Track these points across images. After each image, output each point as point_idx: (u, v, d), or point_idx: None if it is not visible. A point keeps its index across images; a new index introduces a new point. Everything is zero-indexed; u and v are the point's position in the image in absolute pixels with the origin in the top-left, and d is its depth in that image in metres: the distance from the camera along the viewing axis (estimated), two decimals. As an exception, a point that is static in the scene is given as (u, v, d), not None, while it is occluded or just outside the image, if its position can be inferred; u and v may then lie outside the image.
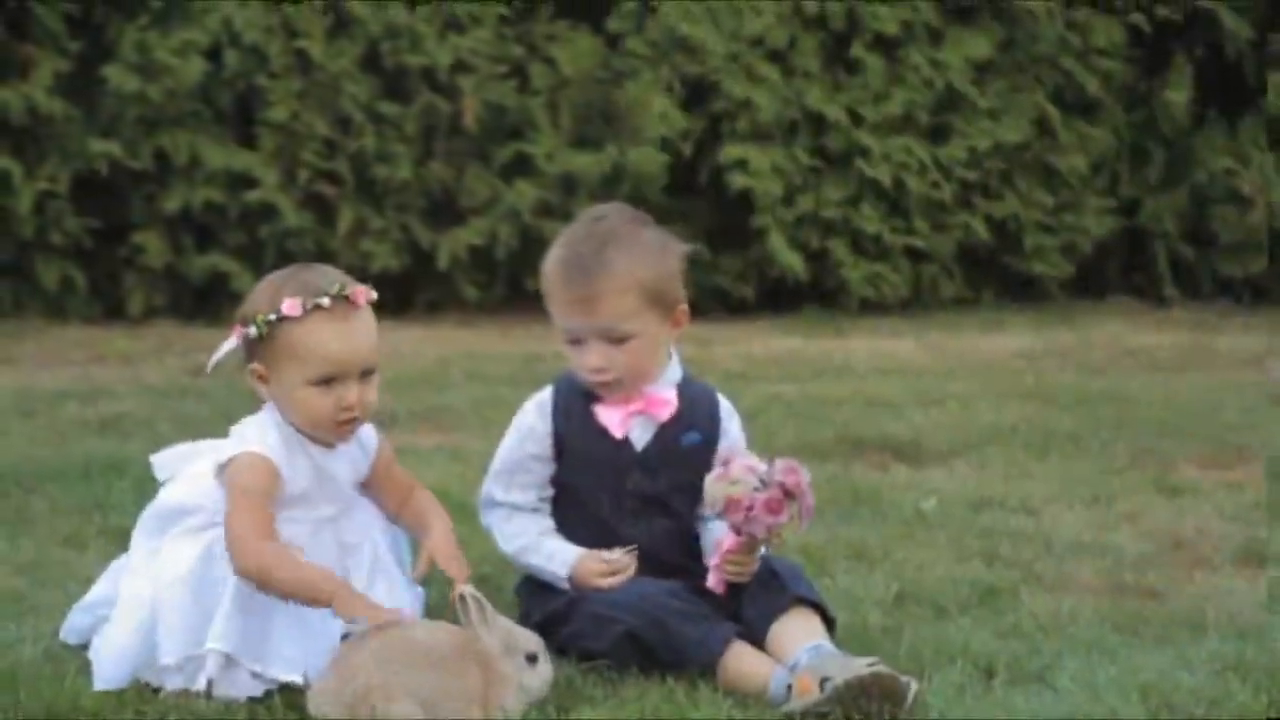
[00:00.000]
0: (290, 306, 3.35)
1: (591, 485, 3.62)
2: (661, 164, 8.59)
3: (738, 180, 8.71)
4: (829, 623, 3.48)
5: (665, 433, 3.62)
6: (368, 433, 3.56)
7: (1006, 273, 9.31)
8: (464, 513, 3.94)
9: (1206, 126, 9.42)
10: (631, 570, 3.52)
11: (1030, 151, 9.18)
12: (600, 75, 8.68)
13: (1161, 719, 3.20)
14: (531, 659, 3.24)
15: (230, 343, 3.45)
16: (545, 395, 3.66)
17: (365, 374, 3.42)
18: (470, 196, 8.55)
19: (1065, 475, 5.26)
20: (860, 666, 3.20)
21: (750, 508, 3.39)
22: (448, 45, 8.49)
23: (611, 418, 3.60)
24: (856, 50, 8.89)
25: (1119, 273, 9.61)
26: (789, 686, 3.27)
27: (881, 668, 3.21)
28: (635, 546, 3.54)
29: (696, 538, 3.65)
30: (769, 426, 5.89)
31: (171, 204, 8.23)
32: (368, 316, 3.43)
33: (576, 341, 3.57)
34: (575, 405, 3.61)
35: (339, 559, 3.46)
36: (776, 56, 8.81)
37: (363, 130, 8.39)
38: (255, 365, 3.42)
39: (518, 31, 8.65)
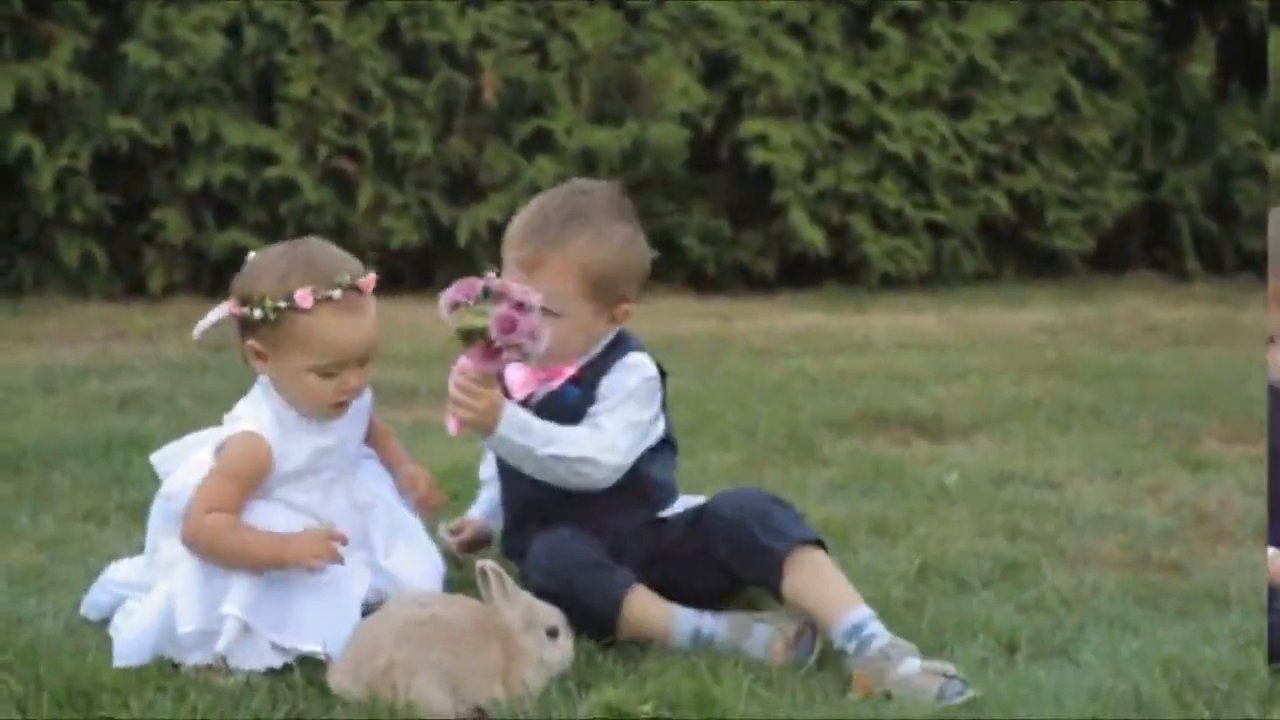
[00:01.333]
0: (303, 298, 3.33)
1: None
2: (682, 139, 8.57)
3: (758, 155, 8.69)
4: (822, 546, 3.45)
5: (554, 391, 3.56)
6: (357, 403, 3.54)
7: (1028, 247, 9.28)
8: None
9: (1229, 100, 9.37)
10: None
11: (1052, 125, 9.14)
12: (620, 50, 8.66)
13: (1184, 693, 3.19)
14: (552, 634, 3.23)
15: (219, 312, 3.40)
16: None
17: (362, 361, 3.42)
18: (490, 172, 8.54)
19: (1087, 449, 5.24)
20: (932, 699, 3.16)
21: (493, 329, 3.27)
22: (467, 20, 8.47)
23: (516, 376, 3.55)
24: (877, 24, 8.85)
25: (1141, 247, 9.58)
26: (850, 677, 3.25)
27: (952, 699, 3.16)
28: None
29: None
30: (791, 402, 5.89)
31: (192, 180, 8.24)
32: (372, 304, 3.42)
33: None
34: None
35: (357, 520, 3.47)
36: (797, 31, 8.78)
37: (382, 106, 8.38)
38: (254, 343, 3.39)
39: (537, 7, 8.63)
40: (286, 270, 3.36)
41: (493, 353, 3.29)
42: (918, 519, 4.40)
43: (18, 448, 5.00)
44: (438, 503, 3.61)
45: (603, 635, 3.42)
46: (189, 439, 3.58)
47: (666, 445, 3.63)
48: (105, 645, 3.37)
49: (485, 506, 3.84)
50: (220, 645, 3.27)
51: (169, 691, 3.18)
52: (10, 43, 8.10)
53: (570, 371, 3.56)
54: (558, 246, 3.50)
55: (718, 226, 8.66)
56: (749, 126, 8.70)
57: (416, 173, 8.46)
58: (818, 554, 3.42)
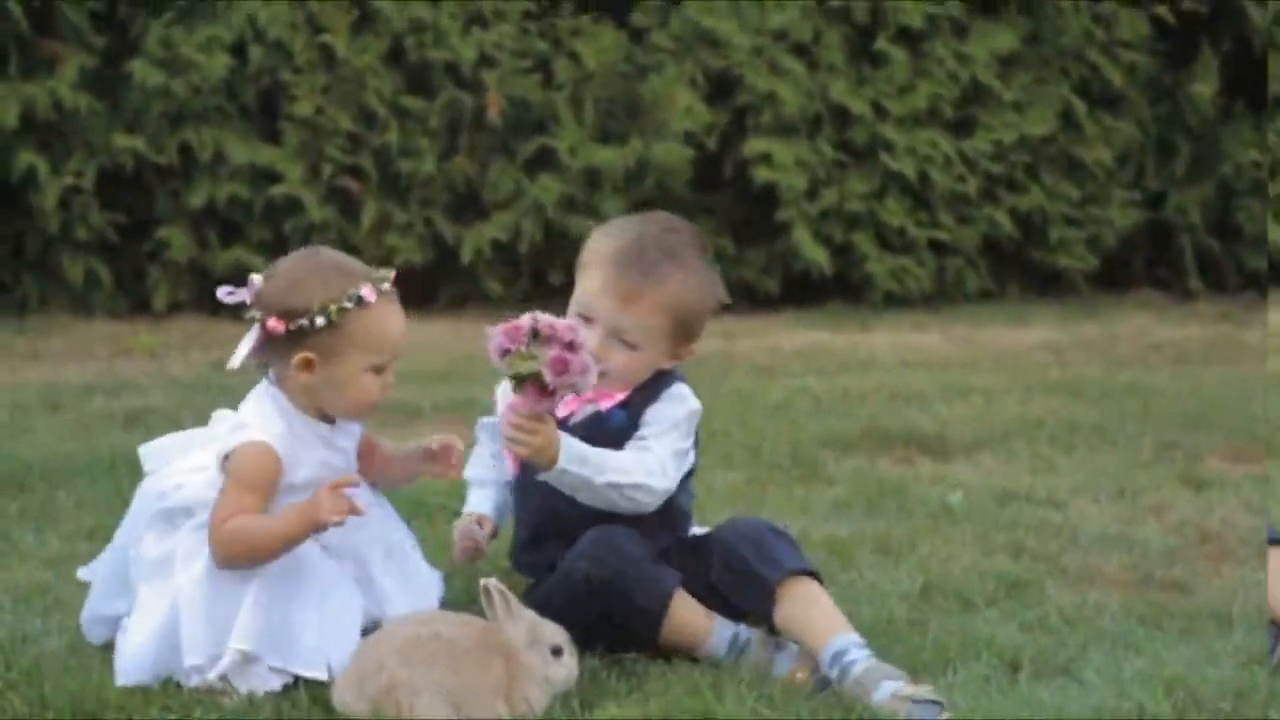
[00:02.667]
0: (369, 293, 3.36)
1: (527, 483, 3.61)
2: (686, 158, 8.58)
3: (762, 174, 8.70)
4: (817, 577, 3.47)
5: (600, 414, 3.59)
6: None
7: (1031, 266, 9.28)
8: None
9: (1232, 119, 9.38)
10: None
11: (1055, 144, 9.15)
12: (624, 69, 8.67)
13: (1187, 712, 3.19)
14: (556, 652, 3.24)
15: (254, 338, 3.41)
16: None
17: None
18: (494, 191, 8.55)
19: (1091, 468, 5.25)
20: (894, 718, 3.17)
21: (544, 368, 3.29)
22: (472, 40, 8.49)
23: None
24: (881, 44, 8.87)
25: (1144, 266, 9.58)
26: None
27: (914, 714, 3.16)
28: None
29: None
30: (794, 420, 5.89)
31: (196, 199, 8.25)
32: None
33: (587, 319, 3.55)
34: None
35: (352, 537, 3.46)
36: (801, 50, 8.79)
37: (387, 125, 8.39)
38: (306, 354, 3.38)
39: (541, 26, 8.64)
40: (334, 277, 3.39)
41: (547, 394, 3.32)
42: (921, 538, 4.40)
43: (22, 466, 5.01)
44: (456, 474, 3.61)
45: (643, 636, 3.43)
46: (181, 436, 3.56)
47: (689, 475, 3.66)
48: (109, 664, 3.37)
49: (498, 507, 3.80)
50: (222, 668, 3.27)
51: (173, 710, 3.18)
52: (15, 61, 8.12)
53: (618, 396, 3.57)
54: (656, 283, 3.53)
55: (721, 245, 8.67)
56: (752, 145, 8.71)
57: (420, 191, 8.47)
58: (811, 584, 3.44)
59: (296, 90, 8.28)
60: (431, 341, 7.35)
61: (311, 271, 3.41)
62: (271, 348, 3.42)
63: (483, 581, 3.25)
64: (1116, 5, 9.15)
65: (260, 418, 3.43)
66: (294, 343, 3.39)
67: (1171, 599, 3.93)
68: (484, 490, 3.82)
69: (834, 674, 3.30)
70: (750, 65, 8.68)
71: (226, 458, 3.39)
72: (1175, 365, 7.29)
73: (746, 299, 8.87)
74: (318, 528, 3.29)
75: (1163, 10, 9.21)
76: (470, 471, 3.88)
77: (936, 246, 9.02)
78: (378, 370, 3.41)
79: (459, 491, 4.35)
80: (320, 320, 3.36)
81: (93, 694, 3.21)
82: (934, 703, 3.18)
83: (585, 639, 3.35)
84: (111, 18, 8.31)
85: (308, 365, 3.39)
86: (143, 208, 8.36)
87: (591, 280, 3.56)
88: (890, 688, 3.21)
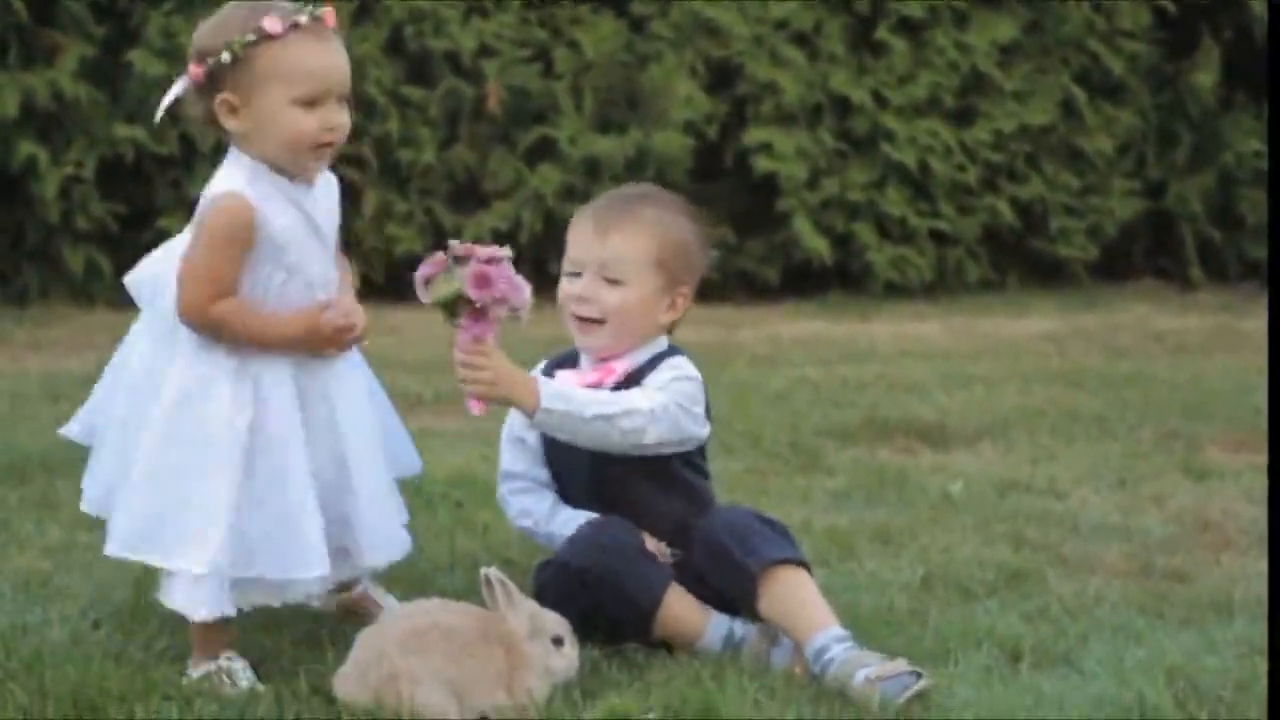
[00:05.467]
0: (272, 24, 3.29)
1: (556, 455, 3.60)
2: (686, 148, 8.58)
3: (762, 164, 8.69)
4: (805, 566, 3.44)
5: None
6: (331, 180, 3.49)
7: (1032, 255, 9.28)
8: (490, 495, 3.94)
9: (1234, 109, 9.37)
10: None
11: (1056, 134, 9.14)
12: (624, 59, 8.67)
13: (1188, 702, 3.19)
14: (557, 642, 3.24)
15: (179, 86, 3.36)
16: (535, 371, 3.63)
17: (341, 99, 3.38)
18: (494, 180, 8.55)
19: (1092, 458, 5.25)
20: (868, 704, 3.17)
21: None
22: (471, 29, 8.49)
23: (568, 380, 3.56)
24: (881, 33, 8.86)
25: (1145, 255, 9.57)
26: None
27: (889, 691, 3.16)
28: (679, 553, 3.51)
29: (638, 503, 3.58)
30: (795, 410, 5.89)
31: (196, 188, 8.18)
32: (338, 40, 3.39)
33: (574, 275, 3.57)
34: (548, 375, 3.57)
35: (324, 412, 3.39)
36: (801, 39, 8.79)
37: (387, 114, 8.39)
38: (226, 96, 3.31)
39: (541, 15, 8.64)
40: (245, 14, 3.32)
41: (478, 314, 3.29)
42: (922, 528, 4.41)
43: (23, 455, 5.01)
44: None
45: (637, 629, 3.42)
46: (162, 252, 3.47)
47: (702, 453, 3.64)
48: (110, 654, 3.37)
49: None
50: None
51: (174, 700, 3.19)
52: (15, 51, 8.11)
53: (617, 375, 3.56)
54: (632, 218, 3.57)
55: (722, 235, 8.67)
56: (753, 135, 8.70)
57: (421, 181, 8.47)
58: (793, 574, 3.39)
59: (297, 80, 8.27)
60: (432, 331, 7.34)
61: (229, 14, 3.35)
62: (202, 96, 3.34)
63: (483, 571, 3.25)
64: (1117, -6, 9.15)
65: (225, 173, 3.35)
66: (214, 86, 3.32)
67: (1172, 588, 3.93)
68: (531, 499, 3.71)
69: (817, 671, 3.29)
70: (751, 54, 8.67)
71: (198, 219, 3.32)
72: (1176, 355, 7.29)
73: (747, 288, 8.87)
74: (320, 340, 3.28)
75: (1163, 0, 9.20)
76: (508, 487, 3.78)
77: (937, 236, 9.01)
78: (305, 104, 3.32)
79: (461, 481, 4.35)
80: (226, 57, 3.29)
81: (94, 684, 3.21)
82: (908, 674, 3.18)
83: (582, 630, 3.35)
84: (112, 8, 8.30)
85: (231, 109, 3.32)
86: (143, 198, 8.36)
87: (570, 242, 3.61)
88: (863, 674, 3.20)
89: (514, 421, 3.66)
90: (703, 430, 3.55)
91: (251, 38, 3.29)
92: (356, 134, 8.35)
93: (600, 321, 3.56)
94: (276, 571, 3.30)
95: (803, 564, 3.43)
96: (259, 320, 3.31)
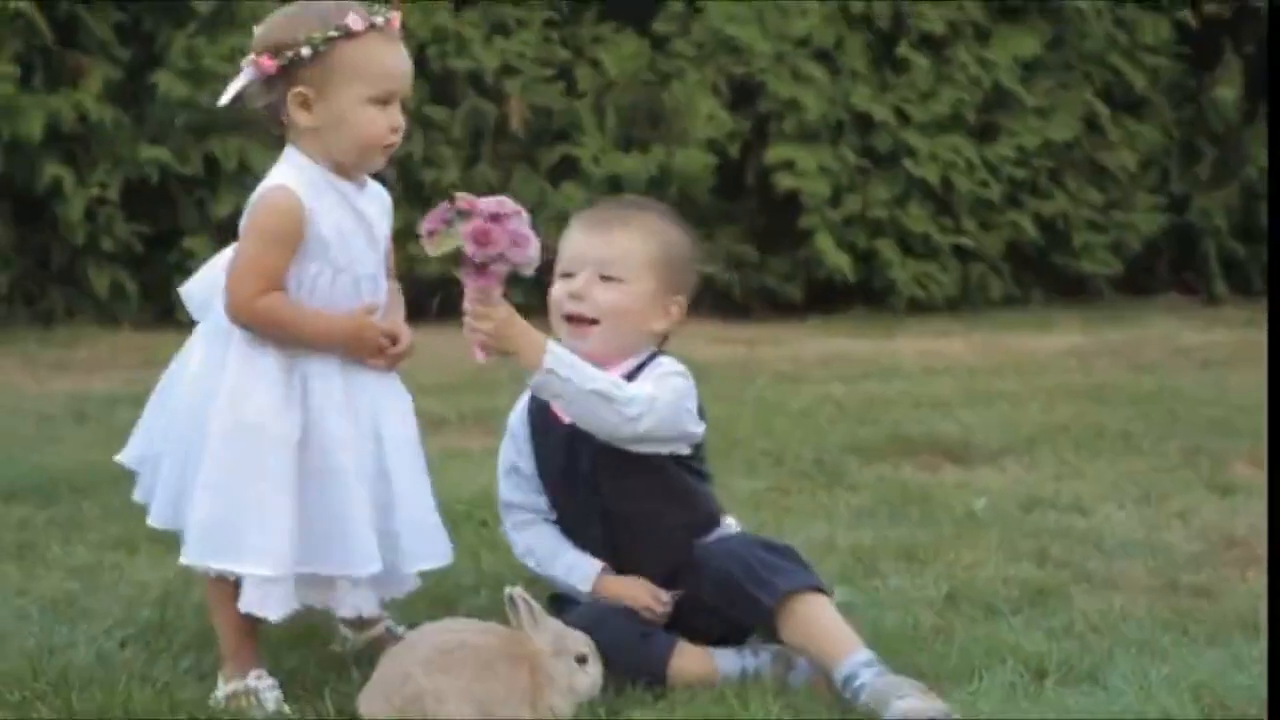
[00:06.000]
0: (356, 21, 3.30)
1: (552, 477, 3.55)
2: (708, 165, 8.59)
3: (785, 181, 8.70)
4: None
5: None
6: (381, 189, 3.51)
7: (1056, 271, 9.27)
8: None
9: (1256, 122, 9.36)
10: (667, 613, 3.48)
11: (1079, 149, 9.14)
12: (646, 77, 8.69)
13: (1214, 719, 3.18)
14: (581, 660, 3.24)
15: (245, 76, 3.37)
16: (524, 398, 3.60)
17: (403, 102, 3.39)
18: (517, 199, 8.53)
19: (1116, 474, 5.23)
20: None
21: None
22: (494, 48, 8.51)
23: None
24: (903, 49, 8.87)
25: (1169, 270, 9.56)
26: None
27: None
28: (679, 593, 3.48)
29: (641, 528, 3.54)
30: (818, 427, 5.89)
31: (221, 209, 8.27)
32: (403, 44, 3.40)
33: (568, 275, 3.54)
34: (541, 402, 3.49)
35: (367, 424, 3.39)
36: (823, 56, 8.79)
37: (410, 134, 8.39)
38: (301, 89, 3.32)
39: (563, 34, 8.66)
40: (326, 10, 3.33)
41: (479, 269, 3.29)
42: (946, 545, 4.40)
43: (49, 477, 5.02)
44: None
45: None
46: (220, 255, 3.47)
47: (699, 454, 3.59)
48: (136, 674, 3.38)
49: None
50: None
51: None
52: (41, 74, 8.15)
53: (615, 374, 3.50)
54: (631, 220, 3.56)
55: (744, 252, 8.67)
56: (775, 152, 8.71)
57: (444, 200, 8.48)
58: (810, 602, 3.34)
59: (320, 100, 8.30)
60: (455, 350, 7.34)
61: (302, 10, 3.37)
62: (270, 90, 3.36)
63: (508, 590, 3.26)
64: (1139, 9, 9.14)
65: (276, 172, 3.37)
66: (288, 80, 3.33)
67: (1198, 605, 3.91)
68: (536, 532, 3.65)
69: (848, 698, 3.25)
70: (772, 72, 8.68)
71: (249, 212, 3.33)
72: (1201, 370, 7.27)
73: (769, 306, 8.87)
74: (365, 346, 3.31)
75: (1185, 14, 9.19)
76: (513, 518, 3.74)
77: (960, 252, 9.01)
78: (378, 103, 3.33)
79: (486, 501, 4.36)
80: (306, 51, 3.30)
81: (120, 705, 3.22)
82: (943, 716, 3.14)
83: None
84: (136, 29, 8.34)
85: (304, 103, 3.34)
86: (168, 218, 8.39)
87: (566, 245, 3.58)
88: (900, 708, 3.14)
89: (507, 450, 3.62)
90: (698, 428, 3.50)
91: (334, 33, 3.30)
92: (380, 154, 8.42)
93: (594, 321, 3.51)
94: (333, 568, 3.30)
95: (818, 589, 3.38)
96: (305, 316, 3.31)
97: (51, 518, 4.67)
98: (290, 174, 3.35)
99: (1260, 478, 5.17)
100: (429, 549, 3.45)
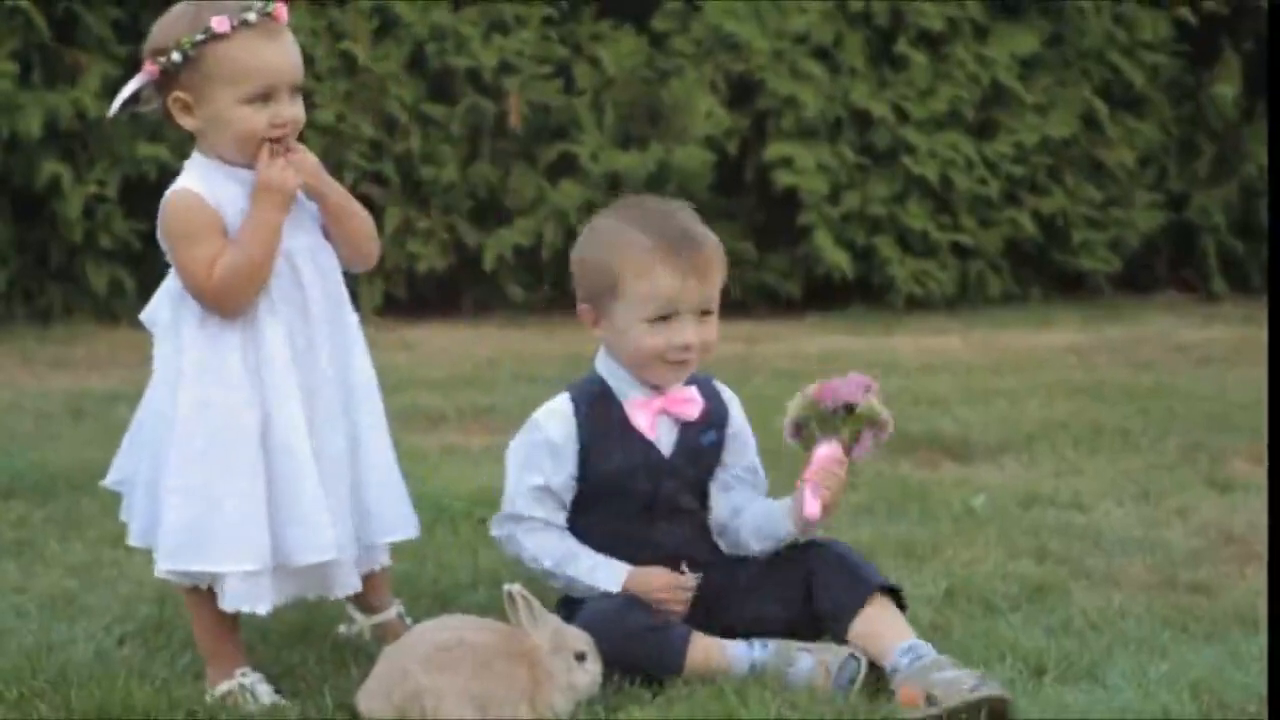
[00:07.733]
0: (219, 24, 3.29)
1: (620, 491, 3.48)
2: (707, 162, 8.58)
3: (783, 178, 8.70)
4: (902, 606, 3.48)
5: (688, 432, 3.53)
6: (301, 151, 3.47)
7: (1054, 268, 9.27)
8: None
9: (1255, 119, 9.36)
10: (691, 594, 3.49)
11: (1077, 147, 9.13)
12: (645, 74, 8.68)
13: (1213, 716, 3.18)
14: (580, 657, 3.24)
15: (135, 82, 3.38)
16: (562, 406, 3.50)
17: (294, 91, 3.37)
18: (516, 197, 8.56)
19: (1115, 471, 5.24)
20: (966, 690, 3.18)
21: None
22: (493, 46, 8.50)
23: (642, 419, 3.48)
24: (901, 47, 8.86)
25: (1167, 267, 9.56)
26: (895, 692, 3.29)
27: (986, 690, 3.18)
28: (700, 575, 3.50)
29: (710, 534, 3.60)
30: (816, 424, 5.88)
31: (219, 207, 8.26)
32: (290, 34, 3.38)
33: (664, 318, 3.44)
34: (600, 410, 3.47)
35: (333, 394, 3.41)
36: (821, 53, 8.79)
37: (409, 131, 8.41)
38: (179, 94, 3.34)
39: (562, 32, 8.66)
40: (194, 13, 3.34)
41: (860, 444, 3.54)
42: (945, 541, 4.40)
43: (48, 474, 5.02)
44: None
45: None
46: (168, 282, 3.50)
47: None
48: (135, 671, 3.38)
49: None
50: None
51: (199, 717, 3.19)
52: (39, 71, 8.15)
53: (687, 394, 3.53)
54: (713, 244, 3.52)
55: (743, 249, 8.67)
56: (774, 149, 8.71)
57: (442, 197, 8.49)
58: (891, 603, 3.47)
59: (318, 97, 8.30)
60: (454, 347, 7.35)
61: (181, 12, 3.37)
62: (160, 92, 3.38)
63: (506, 587, 3.26)
64: (1137, 6, 9.14)
65: (179, 180, 3.41)
66: (167, 86, 3.36)
67: (1196, 602, 3.92)
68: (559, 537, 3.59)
69: (905, 661, 3.32)
70: (771, 69, 8.68)
71: (160, 229, 3.38)
72: (1199, 367, 7.27)
73: (768, 303, 8.87)
74: (280, 192, 3.29)
75: (1184, 11, 9.19)
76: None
77: (958, 249, 9.01)
78: (255, 101, 3.32)
79: (484, 498, 4.35)
80: (176, 56, 3.31)
81: (119, 701, 3.22)
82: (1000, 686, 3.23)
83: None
84: (134, 26, 8.33)
85: (184, 107, 3.35)
86: (166, 216, 8.38)
87: (659, 280, 3.42)
88: (971, 678, 3.23)
89: (539, 469, 3.47)
90: None
91: (200, 37, 3.31)
92: (378, 151, 8.41)
93: (694, 361, 3.51)
94: (298, 557, 3.31)
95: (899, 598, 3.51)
96: (242, 240, 3.32)
97: (49, 515, 4.67)
98: (190, 176, 3.40)
99: (1259, 474, 5.17)
100: (397, 521, 3.48)
